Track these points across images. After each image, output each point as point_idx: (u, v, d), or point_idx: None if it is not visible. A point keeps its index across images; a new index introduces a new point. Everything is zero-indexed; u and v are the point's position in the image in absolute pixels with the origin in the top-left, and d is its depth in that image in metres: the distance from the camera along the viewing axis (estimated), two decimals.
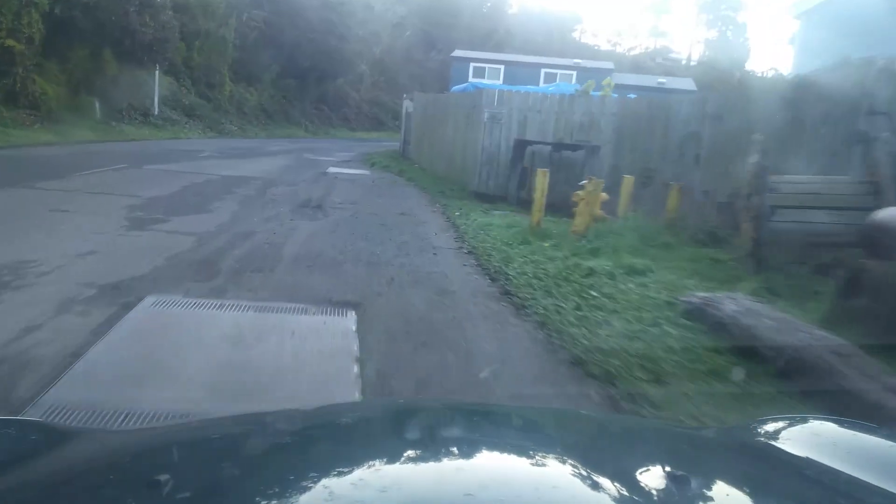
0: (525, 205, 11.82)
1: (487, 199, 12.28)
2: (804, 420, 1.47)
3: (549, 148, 11.92)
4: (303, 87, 39.79)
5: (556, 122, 12.17)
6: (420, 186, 13.97)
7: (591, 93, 13.45)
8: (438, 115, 15.99)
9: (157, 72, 26.51)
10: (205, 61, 31.89)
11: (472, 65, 28.81)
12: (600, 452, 1.21)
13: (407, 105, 21.28)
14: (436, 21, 53.71)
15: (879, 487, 1.03)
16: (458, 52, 30.72)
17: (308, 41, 37.55)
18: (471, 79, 26.01)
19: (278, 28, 36.94)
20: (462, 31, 51.30)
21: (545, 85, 21.71)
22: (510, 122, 12.41)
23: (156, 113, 26.66)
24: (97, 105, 22.51)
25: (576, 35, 71.32)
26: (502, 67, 28.23)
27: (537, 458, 1.11)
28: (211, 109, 31.17)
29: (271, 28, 36.86)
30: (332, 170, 16.59)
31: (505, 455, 1.15)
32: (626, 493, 0.94)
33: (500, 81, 24.11)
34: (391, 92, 48.89)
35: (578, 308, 4.75)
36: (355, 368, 3.63)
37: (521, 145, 11.84)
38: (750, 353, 3.72)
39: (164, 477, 0.87)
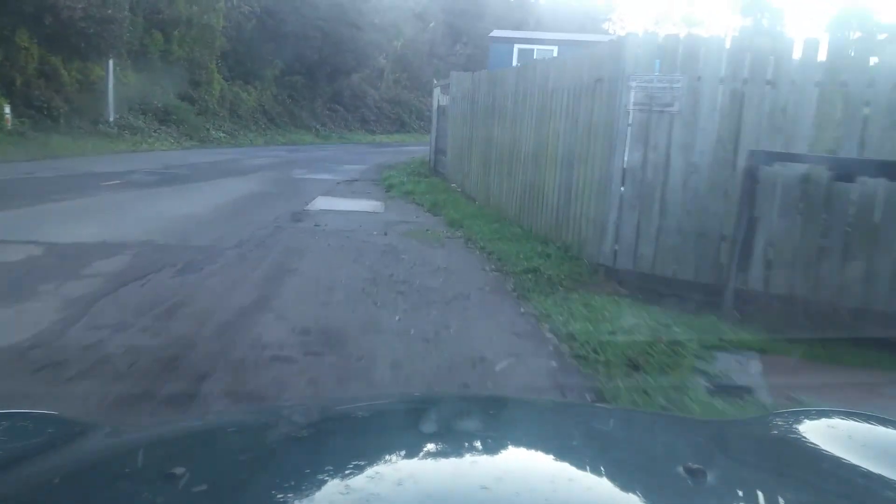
0: (757, 318, 4.45)
1: (647, 290, 4.97)
2: (820, 413, 1.39)
3: (822, 172, 4.57)
4: (312, 85, 32.64)
5: (819, 107, 4.81)
6: (480, 248, 6.59)
7: None
8: (500, 107, 8.63)
9: (110, 66, 19.57)
10: (187, 54, 24.84)
11: (516, 47, 21.37)
12: (616, 445, 1.15)
13: (438, 97, 13.97)
14: (460, 11, 46.56)
15: (892, 478, 0.95)
16: (497, 33, 23.33)
17: (315, 30, 30.39)
18: (515, 65, 18.64)
19: (279, 16, 29.81)
20: (489, 21, 44.12)
21: None
22: (696, 108, 5.06)
23: (110, 119, 19.67)
24: (6, 110, 15.52)
25: (606, 26, 64.36)
26: (555, 49, 20.74)
27: (553, 451, 1.06)
28: (194, 113, 24.12)
29: (272, 16, 29.76)
30: (318, 203, 9.34)
31: (521, 448, 1.08)
32: (642, 486, 0.90)
33: None
34: (414, 89, 41.74)
35: None
36: None
37: (756, 165, 4.48)
38: None
39: (179, 470, 0.84)
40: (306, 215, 8.25)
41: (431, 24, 44.62)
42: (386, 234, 7.21)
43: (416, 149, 23.56)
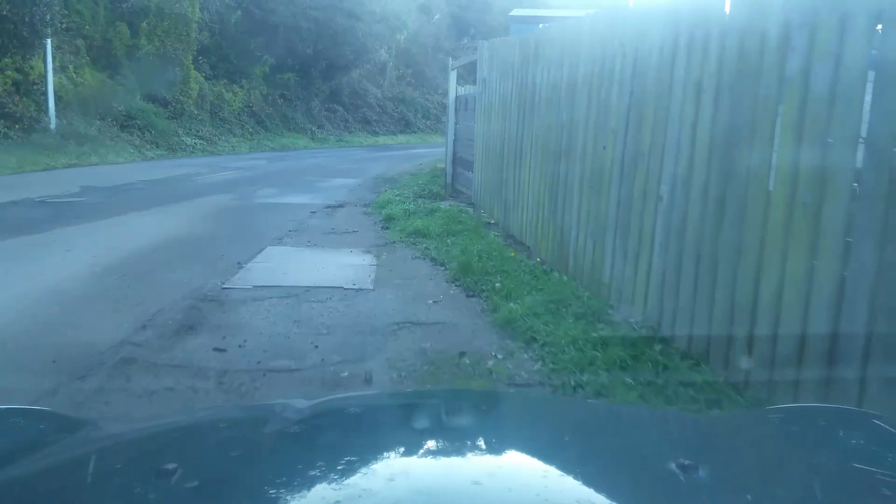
0: None
1: None
2: (814, 409, 1.39)
3: None
4: (307, 83, 28.38)
5: None
6: None
7: None
8: (598, 88, 4.33)
9: (48, 61, 15.36)
10: (157, 50, 20.61)
11: (542, 27, 16.96)
12: (609, 440, 1.08)
13: (455, 85, 9.66)
14: (466, 3, 42.33)
15: (886, 475, 0.89)
16: (518, 12, 18.99)
17: (309, 21, 26.10)
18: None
19: (267, 5, 25.55)
20: (497, 14, 40.06)
21: None
22: None
23: (51, 126, 15.47)
24: None
25: None
26: None
27: (545, 446, 0.99)
28: (165, 116, 19.89)
29: (258, 6, 25.48)
30: (258, 269, 5.04)
31: (513, 443, 1.00)
32: (634, 481, 0.87)
33: None
34: (419, 86, 37.52)
35: None
36: None
37: None
38: None
39: (171, 466, 0.80)
40: (217, 310, 3.99)
41: (436, 17, 40.40)
42: (370, 378, 2.97)
43: (424, 152, 19.34)
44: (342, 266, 5.20)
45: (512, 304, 3.92)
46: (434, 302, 4.26)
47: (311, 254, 5.66)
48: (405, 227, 6.70)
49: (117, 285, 4.50)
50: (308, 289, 4.45)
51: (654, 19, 3.58)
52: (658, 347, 3.28)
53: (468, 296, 4.42)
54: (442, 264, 5.25)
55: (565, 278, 4.58)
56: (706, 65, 3.03)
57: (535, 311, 3.80)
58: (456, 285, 4.66)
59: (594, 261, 4.25)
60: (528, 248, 5.59)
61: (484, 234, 6.16)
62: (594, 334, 3.42)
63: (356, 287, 4.56)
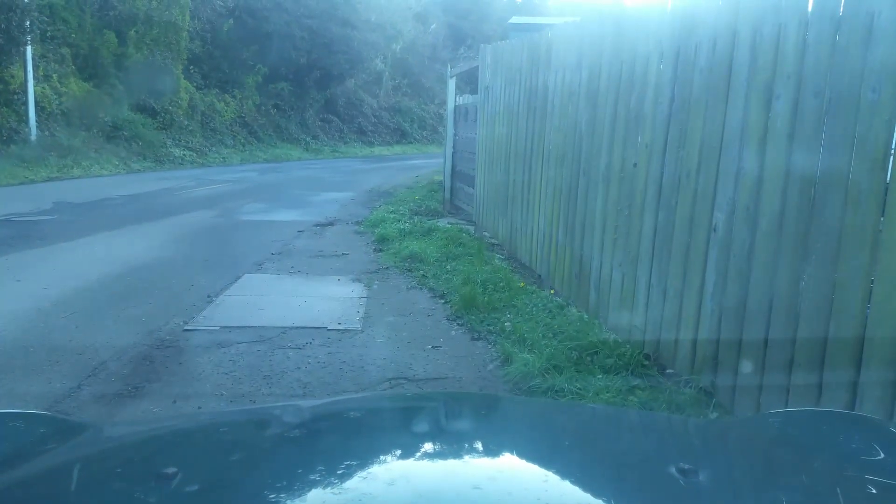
0: None
1: None
2: (813, 413, 1.35)
3: None
4: (301, 93, 27.76)
5: None
6: None
7: None
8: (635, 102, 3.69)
9: (28, 68, 14.69)
10: (145, 59, 19.99)
11: (556, 26, 16.34)
12: (609, 445, 1.07)
13: (454, 94, 9.00)
14: (463, 12, 41.87)
15: (887, 481, 0.87)
16: (517, 19, 18.33)
17: (302, 29, 25.53)
18: None
19: (260, 13, 24.96)
20: (494, 23, 39.67)
21: None
22: None
23: (31, 136, 14.79)
24: None
25: None
26: None
27: (545, 450, 0.97)
28: (154, 127, 19.23)
29: (251, 14, 24.90)
30: (230, 303, 4.31)
31: (513, 447, 0.99)
32: (634, 486, 0.85)
33: None
34: (415, 96, 36.97)
35: None
36: None
37: None
38: None
39: (171, 469, 0.78)
40: (173, 360, 3.32)
41: (433, 26, 39.87)
42: None
43: (420, 163, 18.74)
44: (327, 298, 4.52)
45: (527, 354, 3.24)
46: (433, 347, 3.59)
47: (293, 283, 4.98)
48: (400, 249, 6.03)
49: (62, 326, 3.82)
50: (285, 330, 3.78)
51: (701, 11, 2.93)
52: (714, 415, 2.63)
53: (473, 338, 3.75)
54: (441, 296, 4.58)
55: (586, 316, 3.92)
56: (780, 64, 2.39)
57: (556, 363, 3.13)
58: (458, 324, 3.99)
59: (623, 296, 3.59)
60: (539, 275, 4.93)
61: (488, 259, 5.50)
62: (633, 398, 2.76)
63: (342, 327, 3.88)
